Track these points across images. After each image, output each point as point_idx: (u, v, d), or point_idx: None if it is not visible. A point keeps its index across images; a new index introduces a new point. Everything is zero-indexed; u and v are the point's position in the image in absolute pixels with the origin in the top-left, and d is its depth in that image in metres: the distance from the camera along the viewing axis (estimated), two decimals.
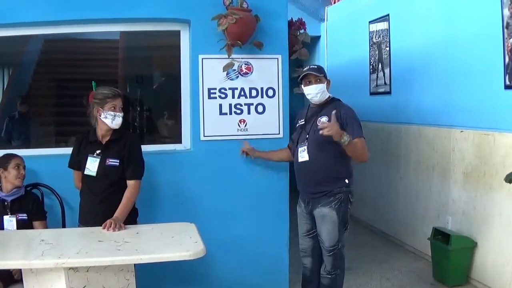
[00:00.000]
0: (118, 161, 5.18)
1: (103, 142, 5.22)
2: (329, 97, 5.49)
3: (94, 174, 5.17)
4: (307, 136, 5.39)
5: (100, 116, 5.11)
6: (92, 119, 5.22)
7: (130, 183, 5.21)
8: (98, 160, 5.18)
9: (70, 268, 4.07)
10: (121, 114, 5.14)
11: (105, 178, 5.18)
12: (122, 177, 5.22)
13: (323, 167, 5.32)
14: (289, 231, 6.49)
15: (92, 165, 5.18)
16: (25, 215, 5.37)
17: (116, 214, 4.98)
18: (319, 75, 5.36)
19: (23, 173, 5.42)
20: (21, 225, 5.31)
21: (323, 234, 5.38)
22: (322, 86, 5.36)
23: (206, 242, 4.41)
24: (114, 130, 5.20)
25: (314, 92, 5.38)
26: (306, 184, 5.48)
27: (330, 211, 5.28)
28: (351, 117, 5.29)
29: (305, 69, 5.50)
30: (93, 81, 5.29)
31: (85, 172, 5.22)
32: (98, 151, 5.20)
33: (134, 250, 4.33)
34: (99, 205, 5.16)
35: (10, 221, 5.32)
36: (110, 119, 5.09)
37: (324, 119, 5.28)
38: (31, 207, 5.44)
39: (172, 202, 6.18)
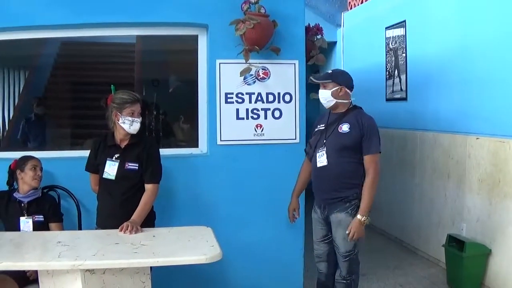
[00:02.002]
0: (137, 165, 5.20)
1: (122, 146, 5.24)
2: (349, 103, 5.44)
3: (113, 177, 5.19)
4: (325, 141, 5.38)
5: (118, 121, 5.12)
6: (110, 123, 5.23)
7: (148, 186, 5.22)
8: (117, 164, 5.19)
9: (86, 270, 4.10)
10: (139, 120, 5.16)
11: (124, 182, 5.20)
12: (141, 180, 5.24)
13: (341, 173, 5.29)
14: (304, 236, 6.48)
15: (111, 169, 5.19)
16: (41, 216, 5.39)
17: (133, 217, 4.99)
18: (322, 81, 5.35)
19: (40, 175, 5.44)
20: (37, 226, 5.33)
21: (338, 239, 5.35)
22: (326, 92, 5.33)
23: (221, 246, 4.43)
24: (133, 134, 5.21)
25: (320, 97, 5.40)
26: (323, 190, 5.44)
27: (347, 216, 5.25)
28: (372, 129, 5.27)
29: (322, 74, 5.50)
30: (112, 85, 5.30)
31: (103, 176, 5.23)
32: (116, 155, 5.21)
33: (150, 253, 4.35)
34: (118, 209, 5.17)
35: (26, 222, 5.34)
36: (128, 124, 5.10)
37: (345, 126, 5.29)
38: (48, 209, 5.45)
39: (188, 206, 6.19)
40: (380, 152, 5.29)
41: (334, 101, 5.37)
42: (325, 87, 5.35)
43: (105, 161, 5.22)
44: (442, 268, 7.66)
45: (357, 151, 5.26)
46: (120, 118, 5.10)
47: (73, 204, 5.90)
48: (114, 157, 5.21)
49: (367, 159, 5.23)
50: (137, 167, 5.21)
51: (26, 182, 5.38)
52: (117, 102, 5.13)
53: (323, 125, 5.50)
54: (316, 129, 5.58)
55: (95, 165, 5.36)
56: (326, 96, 5.34)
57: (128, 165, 5.19)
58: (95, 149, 5.36)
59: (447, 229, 7.65)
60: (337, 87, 5.34)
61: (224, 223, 5.96)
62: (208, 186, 6.26)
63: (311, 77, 5.43)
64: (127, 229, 4.77)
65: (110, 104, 5.19)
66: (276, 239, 6.40)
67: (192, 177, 6.24)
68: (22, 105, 10.53)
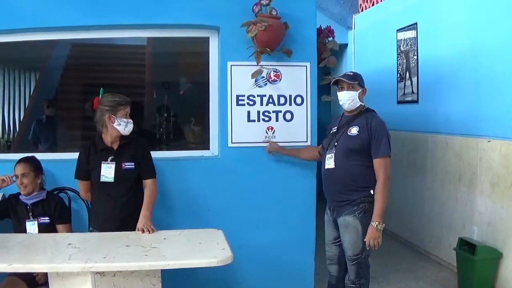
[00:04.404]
0: (133, 164, 5.25)
1: (114, 148, 5.26)
2: (363, 106, 5.46)
3: (111, 180, 5.20)
4: (336, 143, 5.37)
5: (113, 123, 5.15)
6: (100, 126, 5.26)
7: (148, 182, 5.30)
8: (113, 165, 5.21)
9: (97, 273, 4.10)
10: (131, 121, 5.22)
11: (123, 183, 5.23)
12: (137, 182, 5.30)
13: (348, 176, 5.28)
14: (316, 238, 6.46)
15: (108, 172, 5.21)
16: (47, 218, 5.40)
17: (144, 212, 5.09)
18: (351, 82, 5.33)
19: (25, 182, 5.37)
20: (43, 228, 5.34)
21: (346, 243, 5.34)
22: (354, 94, 5.33)
23: (232, 248, 4.42)
24: (123, 135, 5.25)
25: (345, 99, 5.36)
26: (331, 192, 5.45)
27: (354, 220, 5.24)
28: (380, 131, 5.24)
29: (341, 75, 5.48)
30: (101, 88, 5.35)
31: (101, 180, 5.22)
32: (111, 157, 5.23)
33: (161, 255, 4.35)
34: (118, 211, 5.23)
35: (32, 224, 5.36)
36: (123, 126, 5.15)
37: (354, 129, 5.29)
38: (53, 211, 5.46)
39: (199, 208, 6.18)
40: (390, 156, 5.26)
41: (360, 103, 5.41)
42: (353, 88, 5.35)
43: (99, 165, 5.23)
44: (454, 272, 7.63)
45: (366, 154, 5.25)
46: (116, 121, 5.14)
47: (83, 206, 5.90)
48: (109, 159, 5.23)
49: (376, 162, 5.22)
50: (133, 166, 5.25)
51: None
52: (111, 105, 5.18)
53: (335, 127, 5.52)
54: (330, 132, 5.59)
55: (86, 171, 5.36)
56: (353, 98, 5.36)
57: (125, 165, 5.23)
58: (86, 155, 5.36)
59: (458, 232, 7.62)
60: (361, 89, 5.39)
61: (235, 225, 5.91)
62: (219, 188, 6.24)
63: (342, 77, 5.41)
64: (148, 230, 4.90)
65: (99, 107, 5.23)
66: (287, 242, 6.38)
67: (203, 179, 6.22)
68: (32, 107, 10.57)
